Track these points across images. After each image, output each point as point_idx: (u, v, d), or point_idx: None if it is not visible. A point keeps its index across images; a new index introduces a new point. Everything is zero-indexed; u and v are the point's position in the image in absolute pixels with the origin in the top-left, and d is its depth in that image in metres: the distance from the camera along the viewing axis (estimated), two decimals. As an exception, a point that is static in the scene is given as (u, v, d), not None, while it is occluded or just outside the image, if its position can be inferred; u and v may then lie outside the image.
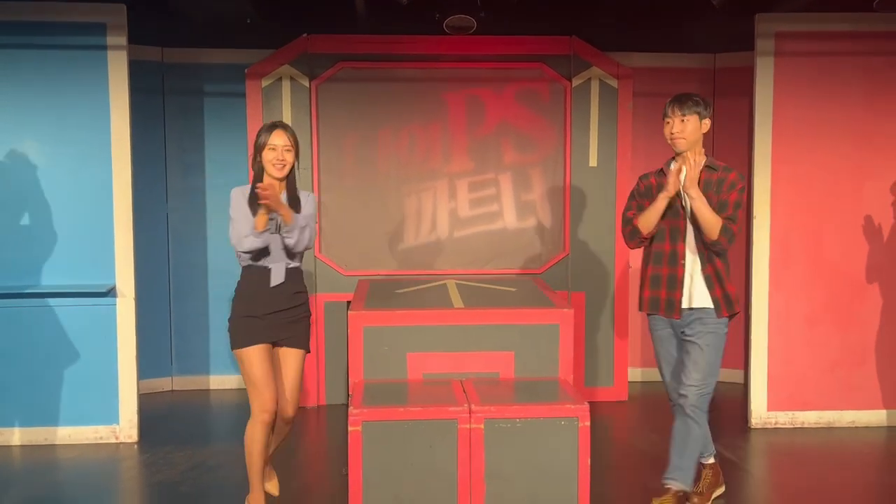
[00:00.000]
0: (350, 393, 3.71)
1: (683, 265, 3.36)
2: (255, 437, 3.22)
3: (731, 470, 4.03)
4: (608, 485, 3.82)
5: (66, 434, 4.44)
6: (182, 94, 5.51)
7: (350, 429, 3.33)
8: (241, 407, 5.20)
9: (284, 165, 3.23)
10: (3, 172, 4.37)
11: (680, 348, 3.45)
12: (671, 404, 3.53)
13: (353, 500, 3.35)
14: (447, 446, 3.34)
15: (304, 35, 5.06)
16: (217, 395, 5.53)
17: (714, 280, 3.34)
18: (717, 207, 3.27)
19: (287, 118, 5.04)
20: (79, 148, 4.41)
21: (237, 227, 3.21)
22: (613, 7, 5.19)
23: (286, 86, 5.05)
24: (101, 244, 4.43)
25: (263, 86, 5.04)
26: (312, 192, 3.62)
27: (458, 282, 4.67)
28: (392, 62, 5.13)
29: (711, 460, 3.64)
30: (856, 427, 4.72)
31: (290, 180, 3.30)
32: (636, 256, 5.88)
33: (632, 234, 3.47)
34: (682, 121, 3.33)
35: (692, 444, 3.36)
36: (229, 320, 3.29)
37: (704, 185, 3.32)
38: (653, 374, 5.78)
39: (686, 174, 3.25)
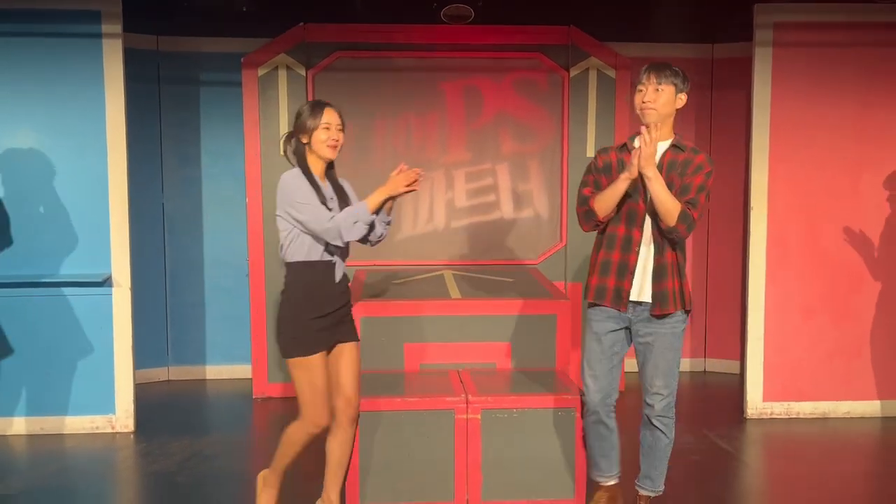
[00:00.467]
0: (347, 383, 3.71)
1: (637, 252, 3.02)
2: (299, 441, 3.04)
3: (726, 460, 4.05)
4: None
5: (63, 424, 4.44)
6: (178, 83, 5.48)
7: (347, 419, 3.34)
8: (236, 397, 5.21)
9: (337, 145, 3.03)
10: (-3, 161, 4.35)
11: (617, 348, 3.13)
12: (587, 413, 3.20)
13: (351, 490, 3.36)
14: (444, 436, 3.34)
15: (301, 24, 5.03)
16: (213, 385, 5.53)
17: (669, 271, 3.01)
18: (679, 191, 2.95)
19: (283, 108, 5.01)
20: (74, 137, 4.38)
21: (321, 214, 2.90)
22: (611, -4, 5.18)
23: (282, 75, 5.02)
24: (97, 234, 4.41)
25: (260, 75, 5.01)
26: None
27: (454, 272, 4.67)
28: (389, 51, 5.11)
29: (613, 482, 3.30)
30: (851, 417, 4.74)
31: (333, 165, 3.12)
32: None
33: (587, 216, 3.08)
34: (657, 90, 2.99)
35: (660, 454, 3.15)
36: (286, 323, 2.97)
37: (668, 166, 2.99)
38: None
39: (642, 151, 2.86)
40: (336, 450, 3.13)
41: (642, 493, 3.24)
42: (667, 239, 3.00)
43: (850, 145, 4.68)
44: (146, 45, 5.36)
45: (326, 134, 2.98)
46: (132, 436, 4.42)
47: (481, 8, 5.09)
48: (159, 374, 5.58)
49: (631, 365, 3.30)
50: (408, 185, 2.94)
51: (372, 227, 3.03)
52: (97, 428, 4.46)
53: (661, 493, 3.24)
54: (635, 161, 2.88)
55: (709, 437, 4.39)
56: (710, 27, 5.60)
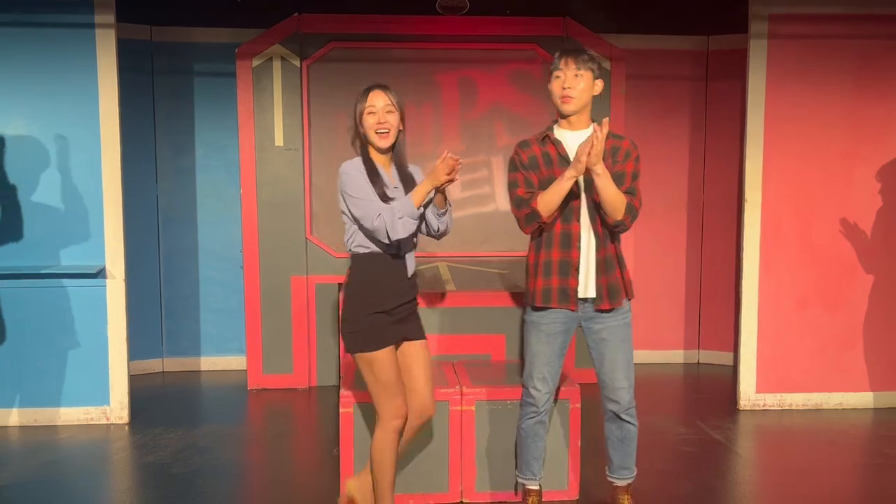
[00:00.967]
0: (341, 374, 3.72)
1: (579, 248, 2.94)
2: (388, 446, 2.86)
3: (719, 451, 4.07)
4: (598, 466, 3.84)
5: (57, 415, 4.44)
6: (172, 73, 5.45)
7: (341, 410, 3.35)
8: (231, 388, 5.22)
9: (389, 130, 2.83)
10: (-10, 152, 4.33)
11: (565, 349, 3.06)
12: (529, 414, 3.10)
13: (345, 481, 3.37)
14: (439, 428, 3.35)
15: (296, 14, 5.01)
16: (208, 376, 5.53)
17: (615, 262, 2.98)
18: (614, 180, 2.87)
19: (278, 99, 5.00)
20: (67, 128, 4.36)
21: (372, 210, 2.75)
22: (607, -12, 5.17)
23: (277, 66, 5.00)
24: (91, 225, 4.40)
25: (254, 66, 4.99)
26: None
27: (449, 264, 4.68)
28: (384, 42, 5.09)
29: (534, 484, 3.21)
30: (843, 409, 4.77)
31: (398, 152, 2.92)
32: (627, 239, 5.90)
33: (529, 219, 2.92)
34: (576, 75, 2.89)
35: (632, 443, 3.12)
36: (349, 317, 2.87)
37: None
38: (644, 357, 5.84)
39: (594, 148, 2.73)
40: (404, 448, 3.06)
41: (622, 483, 3.21)
42: (607, 231, 2.95)
43: (845, 137, 4.69)
44: (140, 35, 5.33)
45: (373, 119, 2.82)
46: (127, 427, 4.43)
47: (476, -1, 5.09)
48: (154, 365, 5.57)
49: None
50: (448, 174, 2.74)
51: (425, 220, 2.90)
52: (91, 419, 4.46)
53: (631, 482, 3.23)
54: (583, 159, 2.75)
55: (702, 428, 4.42)
56: (705, 19, 5.59)
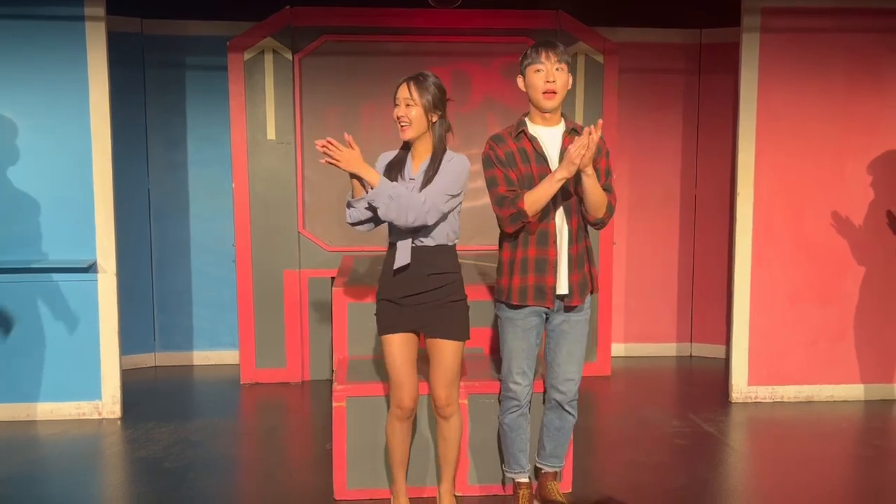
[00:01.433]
0: (334, 369, 3.71)
1: (555, 244, 2.94)
2: (391, 429, 3.05)
3: (712, 443, 4.08)
4: (591, 459, 3.86)
5: (49, 410, 4.42)
6: (163, 66, 5.42)
7: (334, 404, 3.35)
8: (223, 382, 5.21)
9: (408, 124, 2.83)
10: (-21, 146, 4.30)
11: (539, 340, 3.09)
12: (511, 409, 3.13)
13: (338, 475, 3.37)
14: (431, 421, 3.35)
15: (287, 7, 4.98)
16: (200, 370, 5.52)
17: (585, 258, 3.01)
18: None
19: (270, 92, 4.98)
20: (57, 122, 4.33)
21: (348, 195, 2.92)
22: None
23: (269, 59, 4.98)
24: (82, 219, 4.38)
25: (246, 59, 4.97)
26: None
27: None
28: (376, 35, 5.07)
29: (524, 477, 3.26)
30: (834, 401, 4.79)
31: (435, 142, 2.89)
32: (620, 233, 5.93)
33: (514, 218, 2.88)
34: (557, 68, 2.85)
35: (567, 433, 3.20)
36: (377, 301, 3.02)
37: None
38: (637, 350, 5.85)
39: (588, 151, 2.71)
40: (439, 444, 3.12)
41: (550, 469, 3.26)
42: (581, 228, 2.98)
43: (837, 131, 4.70)
44: (130, 28, 5.30)
45: (397, 111, 2.87)
46: (119, 422, 4.41)
47: (469, -8, 5.06)
48: (146, 359, 5.56)
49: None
50: (331, 161, 2.77)
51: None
52: (83, 414, 4.45)
53: (559, 470, 3.30)
54: (577, 161, 2.71)
55: (694, 420, 4.43)
56: (698, 12, 5.59)
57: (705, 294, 5.81)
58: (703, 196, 5.74)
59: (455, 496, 3.18)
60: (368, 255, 4.81)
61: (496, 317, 3.17)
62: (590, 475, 3.64)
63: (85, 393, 4.44)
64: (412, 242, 2.91)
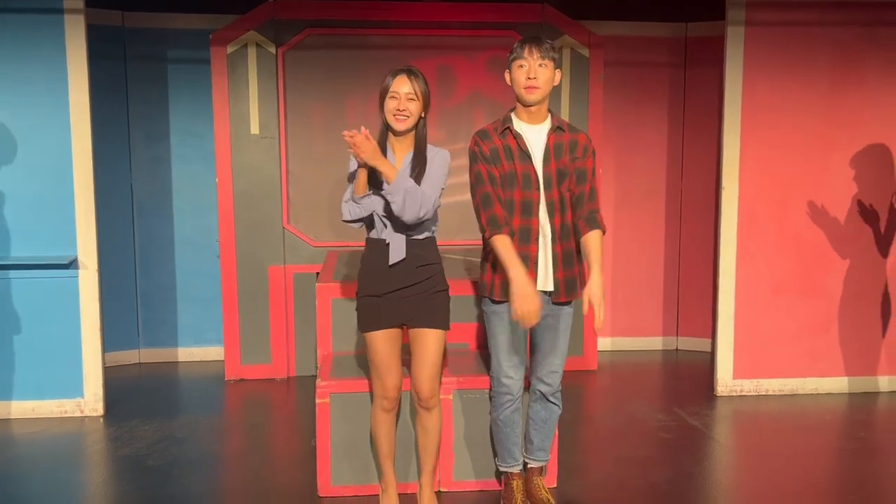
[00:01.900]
0: (319, 365, 3.69)
1: (537, 241, 2.94)
2: (376, 421, 3.07)
3: (697, 437, 4.09)
4: (577, 453, 3.87)
5: (30, 408, 4.37)
6: (145, 60, 5.35)
7: (318, 400, 3.33)
8: (208, 379, 5.17)
9: (408, 117, 2.85)
10: (-43, 141, 4.23)
11: (526, 331, 3.08)
12: (505, 403, 3.12)
13: (322, 471, 3.35)
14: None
15: (271, 0, 4.93)
16: (185, 367, 5.48)
17: (574, 257, 3.00)
18: (576, 179, 2.92)
19: (253, 86, 4.93)
20: (36, 117, 4.27)
21: (346, 192, 2.90)
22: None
23: (252, 52, 4.93)
24: (62, 215, 4.32)
25: (228, 52, 4.92)
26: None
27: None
28: (360, 29, 5.03)
29: (517, 469, 3.26)
30: (818, 394, 4.82)
31: (418, 137, 2.91)
32: (606, 227, 5.90)
33: (494, 223, 2.89)
34: (540, 65, 2.84)
35: (552, 425, 3.22)
36: (356, 298, 3.01)
37: (554, 150, 2.93)
38: (623, 344, 5.86)
39: (598, 299, 2.82)
40: (420, 436, 3.11)
41: (537, 465, 3.26)
42: (568, 226, 2.97)
43: (821, 124, 4.71)
44: (111, 20, 5.23)
45: (393, 103, 2.85)
46: (101, 419, 4.37)
47: (454, -15, 5.03)
48: (130, 356, 5.51)
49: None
50: (350, 149, 2.80)
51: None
52: (65, 412, 4.40)
53: (545, 464, 3.31)
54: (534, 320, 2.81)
55: (679, 414, 4.44)
56: (683, 5, 5.58)
57: (691, 288, 5.82)
58: (689, 189, 5.75)
59: (434, 491, 3.18)
60: (354, 250, 4.78)
61: (482, 312, 3.16)
62: (575, 470, 3.64)
63: (67, 390, 4.39)
64: (409, 237, 2.92)
